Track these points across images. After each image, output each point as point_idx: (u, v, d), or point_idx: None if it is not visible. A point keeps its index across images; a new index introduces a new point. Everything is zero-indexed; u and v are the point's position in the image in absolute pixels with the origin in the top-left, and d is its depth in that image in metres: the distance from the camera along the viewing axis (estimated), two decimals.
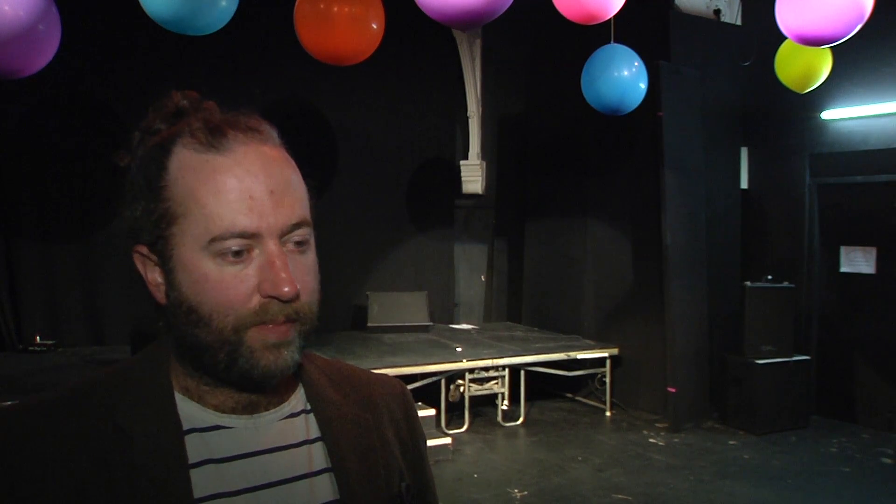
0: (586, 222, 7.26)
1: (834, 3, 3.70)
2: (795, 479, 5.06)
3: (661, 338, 6.32)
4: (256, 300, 0.79)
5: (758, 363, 6.01)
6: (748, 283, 6.17)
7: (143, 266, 0.84)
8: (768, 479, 5.06)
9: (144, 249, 0.83)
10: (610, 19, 4.29)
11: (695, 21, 6.56)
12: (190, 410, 0.84)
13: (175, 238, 0.80)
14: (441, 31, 6.70)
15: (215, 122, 0.82)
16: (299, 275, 0.81)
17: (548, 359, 6.37)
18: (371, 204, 7.35)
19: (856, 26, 3.75)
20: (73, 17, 4.19)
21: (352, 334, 6.91)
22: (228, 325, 0.79)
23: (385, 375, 1.06)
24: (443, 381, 5.86)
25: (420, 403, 5.40)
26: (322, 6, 3.91)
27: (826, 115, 6.38)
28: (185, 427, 0.82)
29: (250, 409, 0.86)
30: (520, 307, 8.14)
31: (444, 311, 7.89)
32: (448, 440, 5.51)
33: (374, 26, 4.00)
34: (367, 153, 7.36)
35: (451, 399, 5.93)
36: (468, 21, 3.56)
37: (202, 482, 0.80)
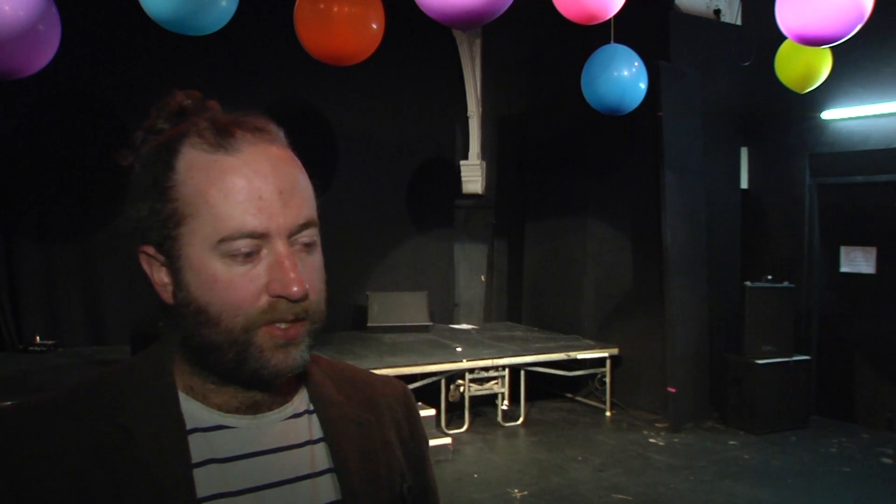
0: (586, 222, 7.26)
1: (834, 3, 3.70)
2: (795, 479, 5.06)
3: (661, 338, 6.32)
4: (265, 300, 0.79)
5: (758, 363, 6.01)
6: (748, 283, 6.17)
7: (149, 266, 0.84)
8: (768, 479, 5.06)
9: (151, 249, 0.83)
10: (610, 19, 4.29)
11: (695, 21, 6.56)
12: (193, 410, 0.84)
13: (183, 238, 0.80)
14: (441, 31, 6.70)
15: (223, 123, 0.82)
16: (307, 274, 0.82)
17: (548, 359, 6.37)
18: (371, 204, 7.35)
19: (856, 26, 3.75)
20: (73, 17, 4.20)
21: (352, 334, 6.91)
22: (238, 325, 0.79)
23: (387, 376, 1.06)
24: (443, 381, 5.86)
25: (420, 403, 5.40)
26: (322, 6, 3.92)
27: (826, 115, 6.38)
28: (189, 426, 0.82)
29: (254, 409, 0.86)
30: (520, 307, 8.14)
31: (444, 311, 7.89)
32: (448, 440, 5.51)
33: (374, 26, 4.00)
34: (367, 153, 7.36)
35: (451, 399, 5.93)
36: (468, 21, 3.56)
37: (205, 482, 0.80)
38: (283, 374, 0.82)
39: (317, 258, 0.85)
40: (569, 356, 6.44)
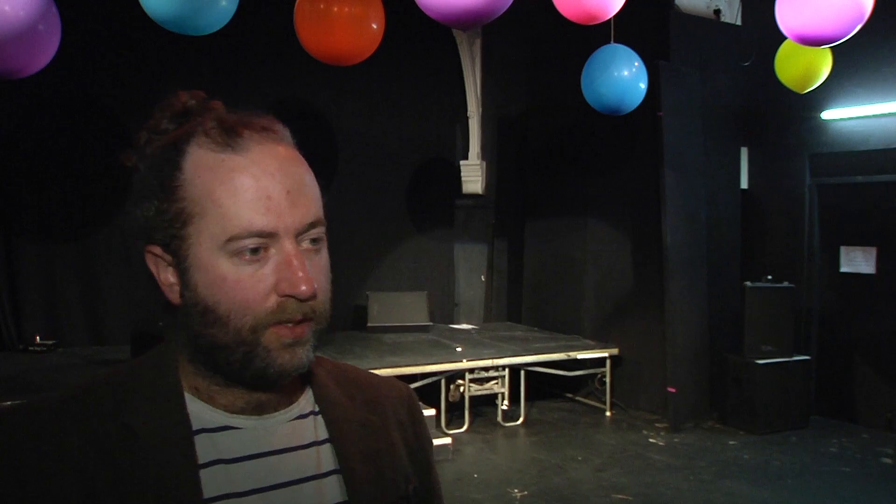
0: (586, 222, 7.25)
1: (834, 3, 3.69)
2: (795, 479, 5.06)
3: (661, 338, 6.32)
4: (274, 300, 0.80)
5: (758, 363, 6.01)
6: (748, 283, 6.17)
7: (155, 266, 0.84)
8: (768, 479, 5.06)
9: (158, 249, 0.83)
10: (610, 19, 4.28)
11: (695, 21, 6.56)
12: (199, 410, 0.84)
13: (191, 238, 0.80)
14: (441, 31, 6.70)
15: (230, 122, 0.82)
16: (315, 274, 0.82)
17: (548, 359, 6.37)
18: (371, 204, 7.35)
19: (856, 26, 3.75)
20: (73, 17, 4.19)
21: (352, 334, 6.91)
22: (246, 325, 0.79)
23: (391, 378, 1.06)
24: (443, 381, 5.86)
25: (420, 403, 5.39)
26: (322, 6, 3.92)
27: (826, 115, 6.38)
28: (195, 427, 0.82)
29: (259, 410, 0.86)
30: (520, 307, 8.14)
31: (444, 311, 7.89)
32: (448, 440, 5.51)
33: (374, 26, 4.00)
34: (367, 153, 7.36)
35: (451, 399, 5.93)
36: (468, 21, 3.56)
37: (211, 483, 0.80)
38: (289, 373, 0.82)
39: (324, 258, 0.86)
40: (569, 356, 6.44)
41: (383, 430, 0.95)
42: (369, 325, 6.93)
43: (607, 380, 6.65)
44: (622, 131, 6.55)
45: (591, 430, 6.20)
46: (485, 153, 8.01)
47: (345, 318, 7.27)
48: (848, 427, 6.21)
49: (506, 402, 6.19)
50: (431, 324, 7.20)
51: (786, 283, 6.22)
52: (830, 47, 4.47)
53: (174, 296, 0.83)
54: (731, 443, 5.84)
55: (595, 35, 5.00)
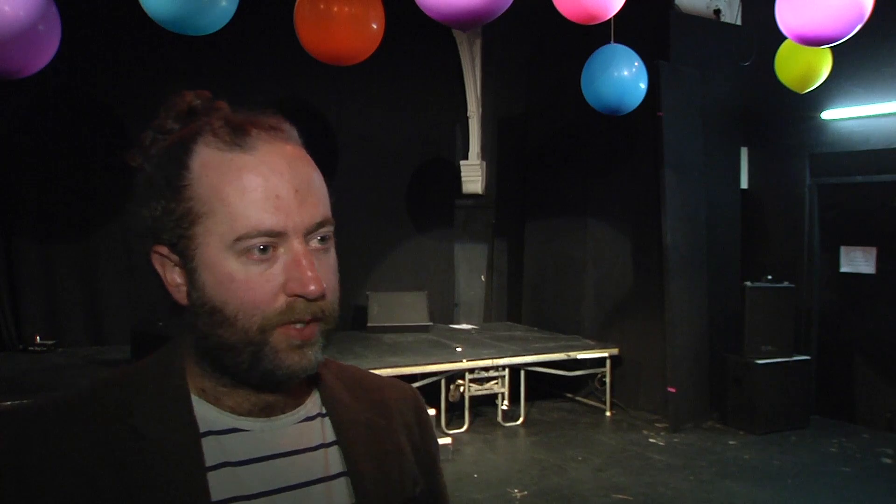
0: (586, 222, 7.25)
1: (834, 3, 3.70)
2: (795, 479, 5.06)
3: (661, 338, 6.32)
4: (282, 300, 0.79)
5: (758, 363, 6.01)
6: (748, 283, 6.17)
7: (161, 267, 0.83)
8: (768, 479, 5.06)
9: (164, 250, 0.82)
10: (610, 19, 4.29)
11: (695, 21, 6.56)
12: (206, 412, 0.83)
13: (198, 238, 0.79)
14: (441, 31, 6.70)
15: (238, 121, 0.82)
16: (323, 273, 0.81)
17: (548, 359, 6.37)
18: (371, 204, 7.35)
19: (856, 26, 3.75)
20: (73, 17, 4.19)
21: (352, 334, 6.91)
22: (254, 325, 0.78)
23: (397, 380, 1.06)
24: (443, 381, 5.86)
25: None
26: (322, 6, 3.92)
27: (826, 115, 6.38)
28: (202, 429, 0.81)
29: (267, 412, 0.86)
30: (520, 307, 8.14)
31: (444, 311, 7.89)
32: (448, 440, 5.51)
33: (374, 26, 4.00)
34: (368, 153, 7.36)
35: (451, 399, 5.93)
36: (468, 21, 3.56)
37: (219, 485, 0.79)
38: (297, 374, 0.81)
39: (332, 257, 0.85)
40: (569, 356, 6.44)
41: (390, 433, 0.94)
42: (369, 325, 6.93)
43: (607, 380, 6.65)
44: (622, 131, 6.55)
45: (591, 430, 6.20)
46: (485, 153, 8.01)
47: (345, 318, 7.24)
48: (848, 427, 6.21)
49: (506, 402, 6.19)
50: (431, 324, 7.20)
51: (786, 283, 6.22)
52: (830, 47, 4.47)
53: (181, 296, 0.82)
54: (731, 443, 5.84)
55: (595, 35, 5.00)
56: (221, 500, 0.79)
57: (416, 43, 7.07)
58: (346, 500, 0.86)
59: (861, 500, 4.75)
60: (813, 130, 6.53)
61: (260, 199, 0.78)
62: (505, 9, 3.47)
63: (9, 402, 4.30)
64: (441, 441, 5.39)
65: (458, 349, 6.28)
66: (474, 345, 6.52)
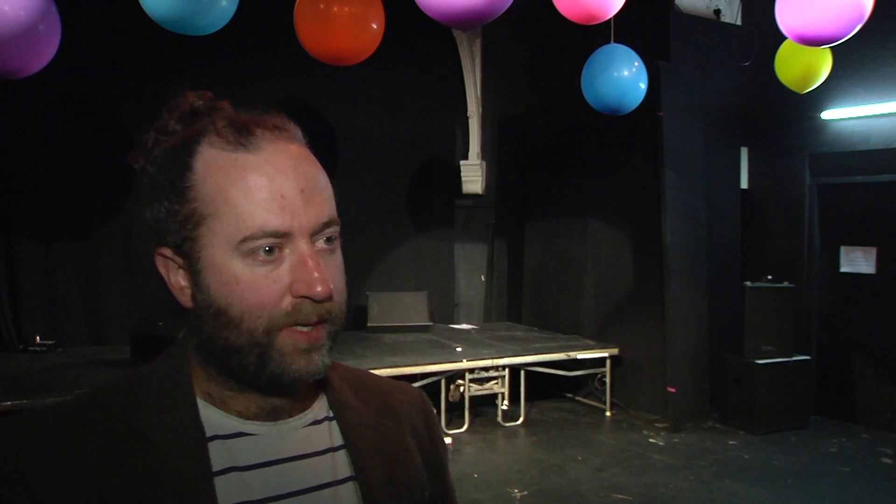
0: (586, 222, 7.25)
1: (834, 3, 3.69)
2: (795, 479, 5.06)
3: (661, 338, 6.32)
4: (289, 301, 0.78)
5: (758, 363, 6.01)
6: (748, 283, 6.17)
7: (165, 269, 0.82)
8: (768, 479, 5.06)
9: (168, 252, 0.81)
10: (610, 19, 4.28)
11: (695, 21, 6.56)
12: (212, 416, 0.82)
13: (203, 239, 0.78)
14: (441, 31, 6.69)
15: (242, 121, 0.81)
16: (330, 274, 0.80)
17: (548, 359, 6.37)
18: (371, 204, 7.34)
19: (856, 26, 3.75)
20: (73, 17, 4.19)
21: (352, 334, 6.90)
22: (260, 326, 0.78)
23: (404, 383, 1.05)
24: (443, 381, 5.86)
25: None
26: (322, 6, 3.92)
27: (826, 115, 6.38)
28: (208, 434, 0.80)
29: (274, 416, 0.85)
30: (520, 307, 8.14)
31: (444, 311, 7.88)
32: (448, 440, 5.52)
33: (374, 26, 4.00)
34: (367, 153, 7.36)
35: (451, 399, 5.93)
36: (468, 21, 3.56)
37: (226, 490, 0.78)
38: (304, 379, 0.80)
39: (338, 258, 0.84)
40: (569, 356, 6.44)
41: (398, 436, 0.93)
42: (369, 325, 6.93)
43: (607, 380, 6.65)
44: (622, 131, 6.54)
45: (591, 430, 6.20)
46: (485, 153, 8.01)
47: (345, 318, 7.26)
48: (848, 427, 6.21)
49: (506, 402, 6.19)
50: (431, 324, 7.20)
51: (786, 283, 6.22)
52: (830, 47, 4.47)
53: (185, 299, 0.81)
54: (731, 443, 5.84)
55: (595, 35, 5.00)
56: None
57: (416, 43, 7.07)
58: None
59: (861, 500, 4.75)
60: (813, 130, 6.53)
61: (265, 200, 0.77)
62: (505, 9, 3.47)
63: (9, 402, 4.30)
64: None
65: (458, 349, 6.28)
66: (474, 345, 6.52)
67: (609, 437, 6.05)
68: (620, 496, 4.72)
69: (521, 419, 6.31)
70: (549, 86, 7.66)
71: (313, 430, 0.87)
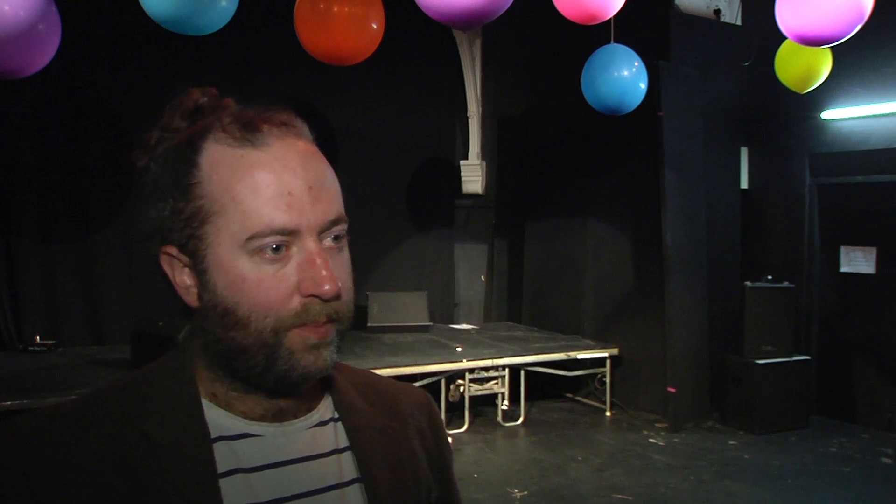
0: (586, 222, 7.25)
1: (834, 3, 3.69)
2: (795, 479, 5.06)
3: (661, 338, 6.31)
4: (297, 300, 0.77)
5: (758, 363, 6.01)
6: (748, 283, 6.17)
7: (170, 268, 0.81)
8: (768, 479, 5.06)
9: (173, 250, 0.80)
10: (610, 19, 4.28)
11: (695, 21, 6.56)
12: (217, 417, 0.81)
13: (209, 237, 0.77)
14: (441, 31, 6.70)
15: (249, 117, 0.80)
16: (338, 273, 0.79)
17: (548, 359, 6.37)
18: (371, 204, 7.34)
19: (856, 26, 3.75)
20: (73, 17, 4.19)
21: (352, 334, 6.84)
22: (268, 326, 0.77)
23: (409, 385, 1.04)
24: (443, 381, 5.86)
25: None
26: (322, 6, 3.91)
27: (826, 115, 6.38)
28: (213, 435, 0.79)
29: (279, 417, 0.84)
30: (520, 307, 8.14)
31: (444, 311, 7.88)
32: (448, 440, 5.51)
33: (374, 26, 4.00)
34: (367, 153, 7.36)
35: (451, 399, 5.93)
36: (468, 21, 3.56)
37: (231, 492, 0.77)
38: (312, 375, 0.79)
39: (346, 256, 0.83)
40: (569, 356, 6.44)
41: (404, 438, 0.92)
42: (369, 325, 6.93)
43: (607, 380, 6.65)
44: (622, 131, 6.54)
45: (591, 430, 6.20)
46: (485, 153, 8.01)
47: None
48: (848, 427, 6.21)
49: (506, 402, 6.19)
50: (431, 324, 7.20)
51: (786, 283, 6.22)
52: (830, 47, 4.47)
53: (191, 298, 0.80)
54: (731, 443, 5.84)
55: (595, 35, 5.00)
56: None
57: (416, 43, 7.07)
58: None
59: (861, 500, 4.75)
60: (813, 130, 6.53)
61: (272, 197, 0.76)
62: (505, 9, 3.47)
63: (9, 402, 4.30)
64: None
65: (458, 349, 6.28)
66: (474, 345, 6.52)
67: (609, 437, 6.05)
68: (620, 496, 4.72)
69: (521, 419, 6.31)
70: (549, 86, 7.66)
71: (319, 432, 0.87)
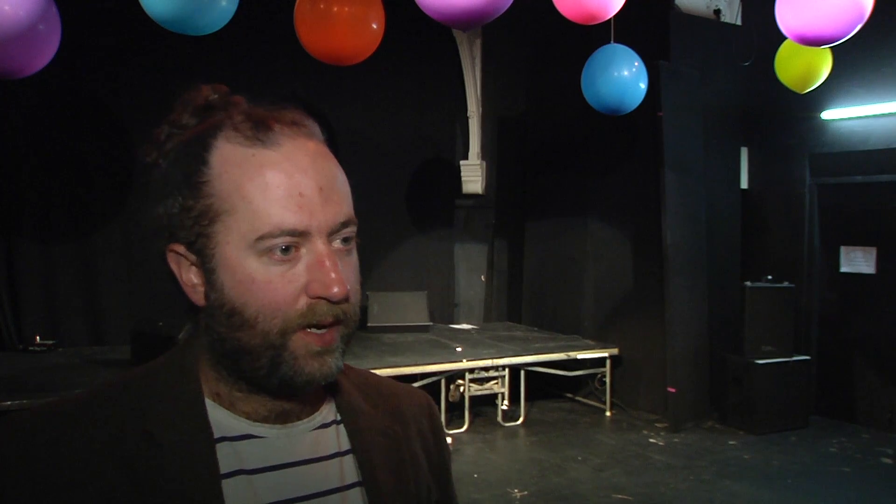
0: (586, 222, 7.25)
1: (834, 3, 3.69)
2: (795, 479, 5.06)
3: (661, 338, 6.31)
4: (304, 301, 0.77)
5: (758, 363, 6.01)
6: (748, 283, 6.17)
7: (177, 266, 0.80)
8: (768, 479, 5.06)
9: (181, 248, 0.79)
10: (610, 19, 4.28)
11: (695, 21, 6.56)
12: (220, 418, 0.81)
13: (218, 236, 0.77)
14: (441, 31, 6.70)
15: (260, 116, 0.79)
16: (346, 275, 0.79)
17: (548, 359, 6.37)
18: (371, 204, 7.33)
19: (856, 26, 3.75)
20: (73, 17, 4.19)
21: None
22: (275, 327, 0.76)
23: (411, 387, 1.04)
24: (443, 381, 5.86)
25: None
26: (322, 6, 3.91)
27: (826, 115, 6.38)
28: (216, 435, 0.79)
29: (283, 419, 0.84)
30: (520, 307, 8.14)
31: (444, 311, 7.88)
32: (448, 440, 5.50)
33: (374, 26, 4.00)
34: (367, 153, 7.35)
35: (451, 399, 5.93)
36: (468, 21, 3.56)
37: (233, 494, 0.77)
38: (317, 382, 0.79)
39: (354, 259, 0.84)
40: (569, 356, 6.44)
41: (406, 441, 0.92)
42: (369, 325, 6.93)
43: (607, 380, 6.65)
44: (622, 131, 6.55)
45: (591, 430, 6.20)
46: (485, 153, 8.01)
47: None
48: (848, 427, 6.21)
49: (506, 402, 6.19)
50: (431, 324, 7.20)
51: (786, 283, 6.22)
52: (830, 47, 4.47)
53: (197, 297, 0.80)
54: (731, 443, 5.84)
55: (595, 35, 5.00)
56: None
57: (416, 43, 7.07)
58: None
59: (861, 500, 4.75)
60: (813, 130, 6.53)
61: (283, 197, 0.75)
62: (505, 9, 3.47)
63: (9, 402, 4.30)
64: None
65: (458, 349, 6.28)
66: (474, 345, 6.52)
67: (609, 437, 6.05)
68: (620, 496, 4.72)
69: (521, 419, 6.31)
70: (549, 86, 7.66)
71: (321, 434, 0.86)
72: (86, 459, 0.74)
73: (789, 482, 5.01)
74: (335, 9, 3.89)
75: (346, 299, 0.78)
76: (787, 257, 6.67)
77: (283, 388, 0.80)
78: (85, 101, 6.14)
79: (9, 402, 4.30)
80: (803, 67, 5.17)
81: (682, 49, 6.36)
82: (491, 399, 6.28)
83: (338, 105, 7.15)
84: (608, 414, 6.64)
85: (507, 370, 6.13)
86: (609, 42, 5.13)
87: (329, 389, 0.89)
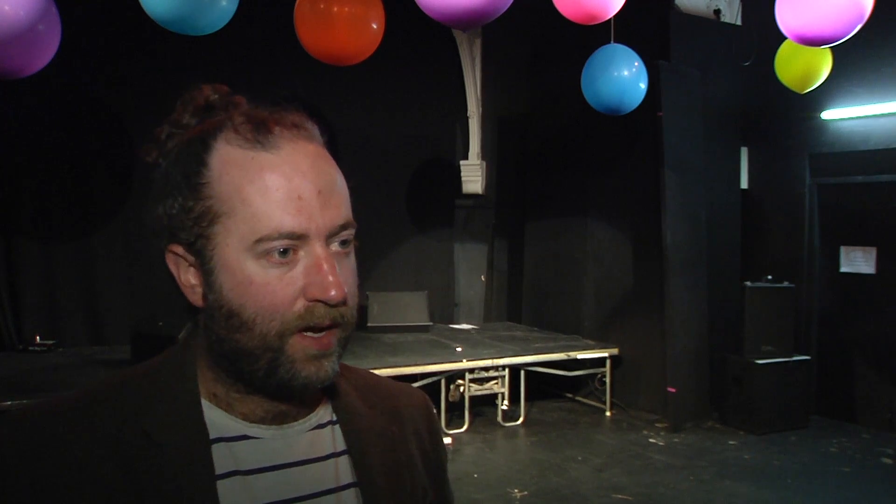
0: (586, 222, 7.25)
1: (834, 3, 3.69)
2: (795, 479, 5.06)
3: (661, 338, 6.31)
4: (302, 304, 0.77)
5: (758, 363, 6.01)
6: (748, 283, 6.17)
7: (176, 267, 0.80)
8: (768, 479, 5.06)
9: (180, 249, 0.79)
10: (610, 19, 4.28)
11: (695, 21, 6.56)
12: (217, 418, 0.81)
13: (217, 238, 0.77)
14: (441, 31, 6.69)
15: (260, 117, 0.79)
16: (344, 278, 0.79)
17: (548, 359, 6.37)
18: (371, 204, 7.33)
19: (856, 26, 3.75)
20: (73, 17, 4.19)
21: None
22: (273, 329, 0.76)
23: (408, 386, 1.04)
24: (443, 381, 5.86)
25: None
26: (322, 6, 3.92)
27: (826, 115, 6.38)
28: (213, 436, 0.79)
29: (279, 420, 0.84)
30: (520, 307, 8.14)
31: (444, 311, 7.88)
32: (448, 440, 5.52)
33: (374, 26, 4.00)
34: (367, 153, 7.35)
35: (451, 399, 5.93)
36: (468, 21, 3.56)
37: (229, 495, 0.77)
38: (314, 385, 0.79)
39: (352, 261, 0.84)
40: (569, 356, 6.44)
41: (402, 441, 0.92)
42: (369, 324, 6.93)
43: (607, 380, 6.65)
44: (622, 131, 6.55)
45: (591, 430, 6.20)
46: (485, 153, 8.01)
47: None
48: (848, 427, 6.21)
49: (506, 402, 6.19)
50: (431, 324, 7.20)
51: (786, 283, 6.22)
52: (830, 47, 4.47)
53: (196, 298, 0.80)
54: (731, 443, 5.84)
55: (595, 35, 4.99)
56: None
57: (416, 43, 7.07)
58: None
59: (861, 500, 4.75)
60: (813, 130, 6.53)
61: (282, 200, 0.76)
62: (505, 9, 3.47)
63: (9, 402, 4.30)
64: None
65: (458, 349, 6.28)
66: (474, 345, 6.52)
67: (609, 437, 6.05)
68: (620, 496, 4.72)
69: (520, 419, 6.31)
70: (549, 86, 7.66)
71: (316, 435, 0.86)
72: (84, 459, 0.74)
73: (789, 482, 5.01)
74: (335, 9, 3.89)
75: (343, 302, 0.78)
76: (787, 257, 6.67)
77: (280, 391, 0.80)
78: (85, 101, 6.14)
79: (9, 402, 4.30)
80: (803, 67, 5.17)
81: (682, 49, 6.36)
82: (491, 399, 6.28)
83: (338, 105, 7.15)
84: (608, 414, 6.64)
85: (507, 370, 6.13)
86: (609, 42, 5.13)
87: (326, 390, 0.88)
